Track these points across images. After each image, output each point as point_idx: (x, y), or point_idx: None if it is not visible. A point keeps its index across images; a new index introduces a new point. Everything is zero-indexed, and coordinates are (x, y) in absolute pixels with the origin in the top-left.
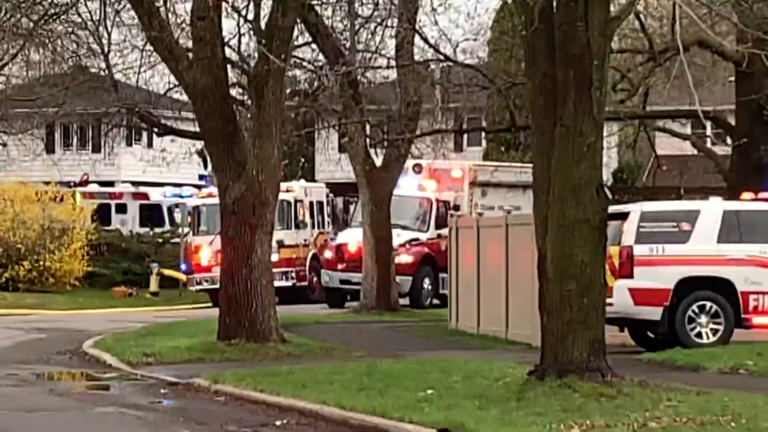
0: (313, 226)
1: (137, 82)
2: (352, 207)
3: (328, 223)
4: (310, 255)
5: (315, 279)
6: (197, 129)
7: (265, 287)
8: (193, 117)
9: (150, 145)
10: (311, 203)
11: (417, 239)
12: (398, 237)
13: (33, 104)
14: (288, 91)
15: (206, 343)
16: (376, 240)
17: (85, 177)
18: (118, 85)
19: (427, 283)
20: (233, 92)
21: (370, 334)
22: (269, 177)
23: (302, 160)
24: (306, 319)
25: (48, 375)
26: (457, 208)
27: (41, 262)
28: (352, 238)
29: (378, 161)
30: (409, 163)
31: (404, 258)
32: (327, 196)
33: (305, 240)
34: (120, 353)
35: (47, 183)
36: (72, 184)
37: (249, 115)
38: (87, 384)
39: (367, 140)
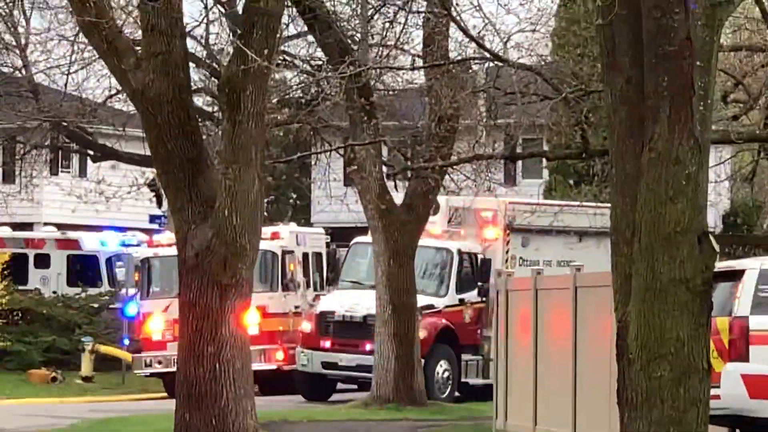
0: (307, 287)
1: (65, 86)
2: (341, 258)
3: (329, 281)
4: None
5: None
6: (148, 152)
7: (239, 371)
8: (142, 135)
9: (83, 173)
10: (305, 255)
11: (431, 306)
12: None
13: None
14: (274, 100)
15: None
16: (393, 307)
17: None
18: (39, 91)
19: (443, 369)
20: (198, 101)
21: None
22: (247, 219)
23: (293, 195)
24: (295, 415)
25: None
26: (486, 264)
27: None
28: (341, 303)
29: (398, 198)
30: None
31: None
32: (327, 245)
33: (296, 306)
34: None
35: None
36: None
37: (220, 133)
38: None
39: (384, 169)
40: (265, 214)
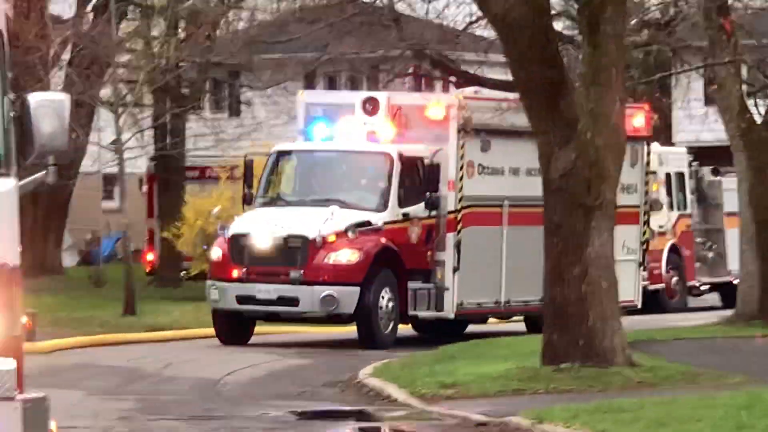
0: (670, 207)
1: (426, 14)
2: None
3: (692, 203)
4: (667, 247)
5: (675, 280)
6: (510, 77)
7: (606, 292)
8: (503, 61)
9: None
10: (668, 175)
11: (367, 223)
12: (331, 220)
13: (286, 48)
14: (633, 21)
15: (525, 368)
16: (758, 225)
17: None
18: (400, 20)
19: (385, 299)
20: (557, 25)
21: (750, 354)
22: (610, 141)
23: (655, 116)
24: (661, 334)
25: (313, 414)
26: (435, 170)
27: None
28: (257, 223)
29: (759, 117)
30: (357, 96)
31: (344, 255)
32: (689, 165)
33: (660, 226)
34: (409, 384)
35: None
36: None
37: (580, 57)
38: (364, 427)
39: (744, 88)
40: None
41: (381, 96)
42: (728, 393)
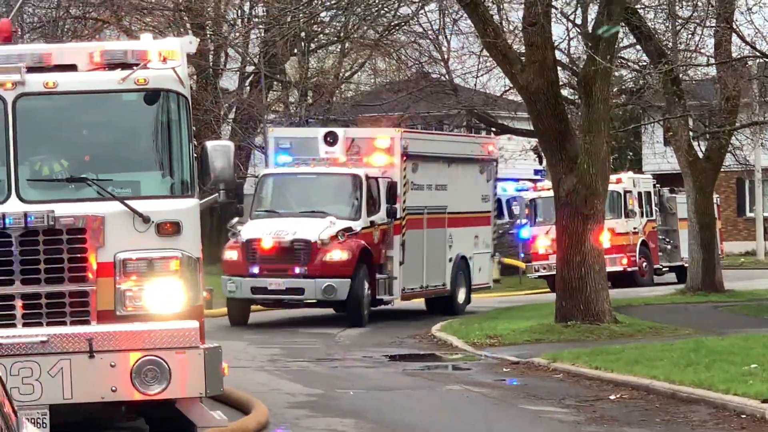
0: (641, 215)
1: (475, 85)
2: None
3: (656, 212)
4: (639, 242)
5: (644, 264)
6: (531, 128)
7: (597, 272)
8: (527, 117)
9: None
10: (639, 193)
11: (350, 229)
12: (331, 227)
13: (380, 109)
14: (615, 89)
15: (544, 325)
16: (700, 226)
17: None
18: (457, 89)
19: (365, 287)
20: (564, 92)
21: (696, 314)
22: (599, 170)
23: (630, 153)
24: (635, 300)
25: (400, 357)
26: (394, 187)
27: None
28: (265, 231)
29: (701, 153)
30: (320, 132)
31: (338, 254)
32: (654, 186)
33: (635, 228)
34: (465, 336)
35: None
36: None
37: (579, 113)
38: (435, 365)
39: (690, 133)
40: (611, 166)
41: (339, 131)
42: (682, 341)
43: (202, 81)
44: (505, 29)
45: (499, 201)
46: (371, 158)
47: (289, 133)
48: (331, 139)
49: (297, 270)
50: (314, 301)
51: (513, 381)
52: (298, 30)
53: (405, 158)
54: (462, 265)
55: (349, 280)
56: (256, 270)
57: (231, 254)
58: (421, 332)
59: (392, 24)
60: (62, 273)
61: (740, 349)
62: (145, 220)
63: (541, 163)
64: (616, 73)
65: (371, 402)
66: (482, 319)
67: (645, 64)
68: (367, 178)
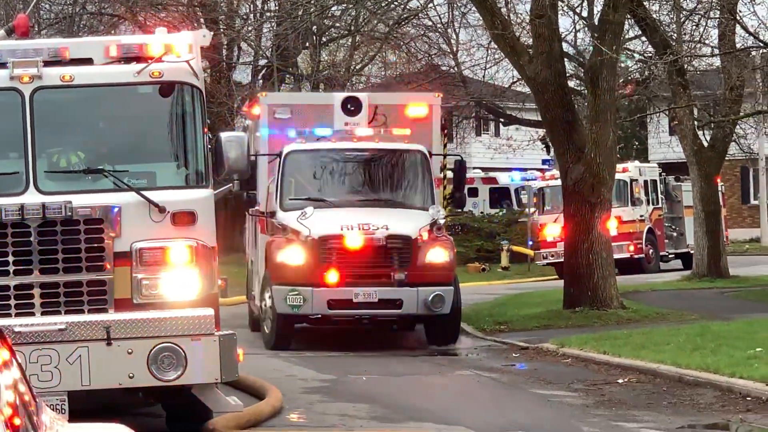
0: (647, 203)
1: (484, 77)
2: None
3: (662, 200)
4: (645, 229)
5: (651, 251)
6: (539, 118)
7: (605, 259)
8: (535, 107)
9: (497, 134)
10: (646, 182)
11: (436, 222)
12: (424, 220)
13: None
14: (621, 80)
15: (553, 311)
16: (706, 214)
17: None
18: (466, 81)
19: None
20: (571, 83)
21: (702, 299)
22: (606, 159)
23: (636, 143)
24: (642, 287)
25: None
26: (462, 168)
27: None
28: (340, 224)
29: (706, 142)
30: (336, 97)
31: (440, 254)
32: (659, 175)
33: (641, 216)
34: (476, 322)
35: None
36: None
37: (586, 104)
38: (445, 350)
39: (695, 123)
40: (618, 155)
41: (362, 96)
42: (687, 325)
43: (216, 74)
44: (512, 21)
45: (506, 190)
46: (403, 130)
47: (288, 99)
48: (352, 107)
49: (396, 276)
50: (414, 314)
51: (522, 366)
52: (309, 24)
53: (444, 131)
54: None
55: (452, 288)
56: (334, 277)
57: (291, 256)
58: None
59: (402, 17)
60: (80, 263)
61: (745, 334)
62: (161, 210)
63: (548, 152)
64: (622, 64)
65: (383, 387)
66: (492, 305)
67: (650, 55)
68: (430, 155)
